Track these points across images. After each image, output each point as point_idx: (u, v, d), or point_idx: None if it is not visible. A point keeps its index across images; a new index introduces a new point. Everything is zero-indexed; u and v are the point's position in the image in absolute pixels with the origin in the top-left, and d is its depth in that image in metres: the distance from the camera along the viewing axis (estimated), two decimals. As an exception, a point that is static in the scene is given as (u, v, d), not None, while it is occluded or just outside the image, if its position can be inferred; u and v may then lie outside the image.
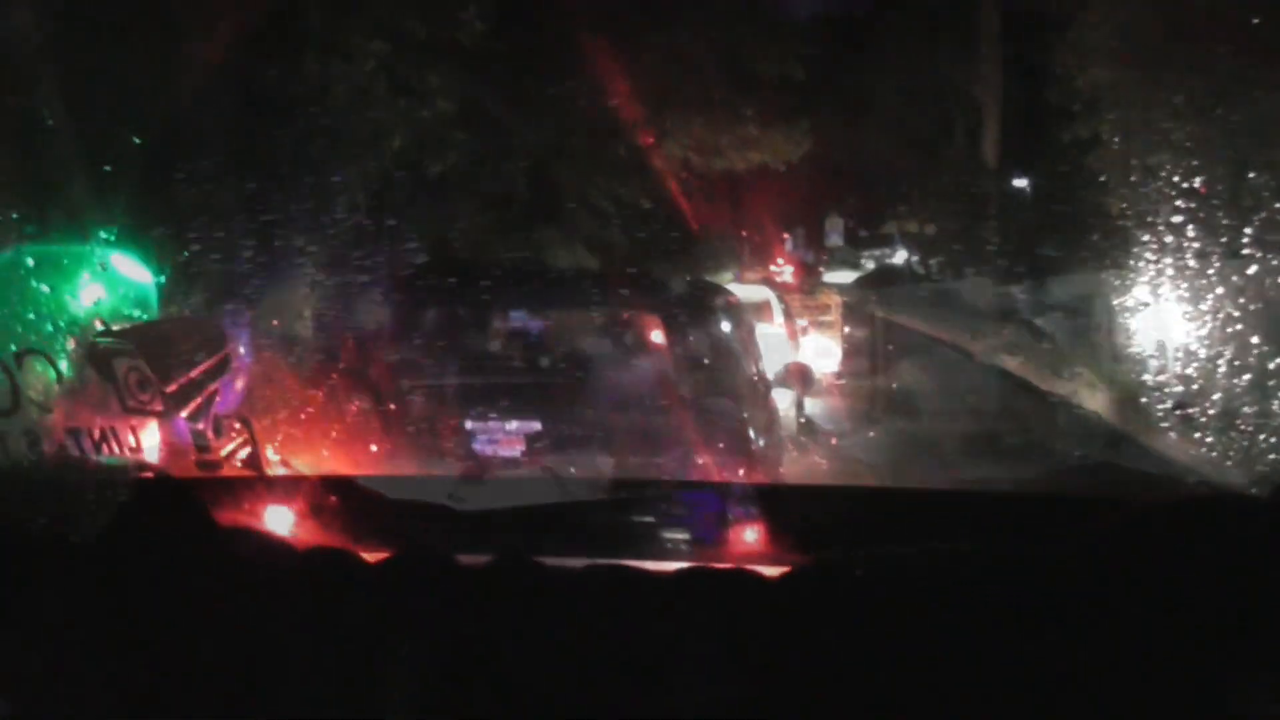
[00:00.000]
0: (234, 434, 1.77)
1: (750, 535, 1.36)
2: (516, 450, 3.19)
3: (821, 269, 23.73)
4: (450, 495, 1.49)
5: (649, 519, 1.47)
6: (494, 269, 8.74)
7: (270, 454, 1.91)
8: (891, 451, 8.07)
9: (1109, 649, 0.85)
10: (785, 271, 18.85)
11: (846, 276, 24.26)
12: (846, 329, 12.75)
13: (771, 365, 5.13)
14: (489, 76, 9.08)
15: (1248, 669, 0.84)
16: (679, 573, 1.05)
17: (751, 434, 3.37)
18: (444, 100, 7.48)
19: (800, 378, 4.96)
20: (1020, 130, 16.67)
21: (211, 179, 5.11)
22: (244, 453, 1.77)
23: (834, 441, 8.84)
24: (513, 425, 3.23)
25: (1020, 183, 17.74)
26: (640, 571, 1.09)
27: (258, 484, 1.70)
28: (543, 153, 11.09)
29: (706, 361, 3.43)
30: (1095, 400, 8.51)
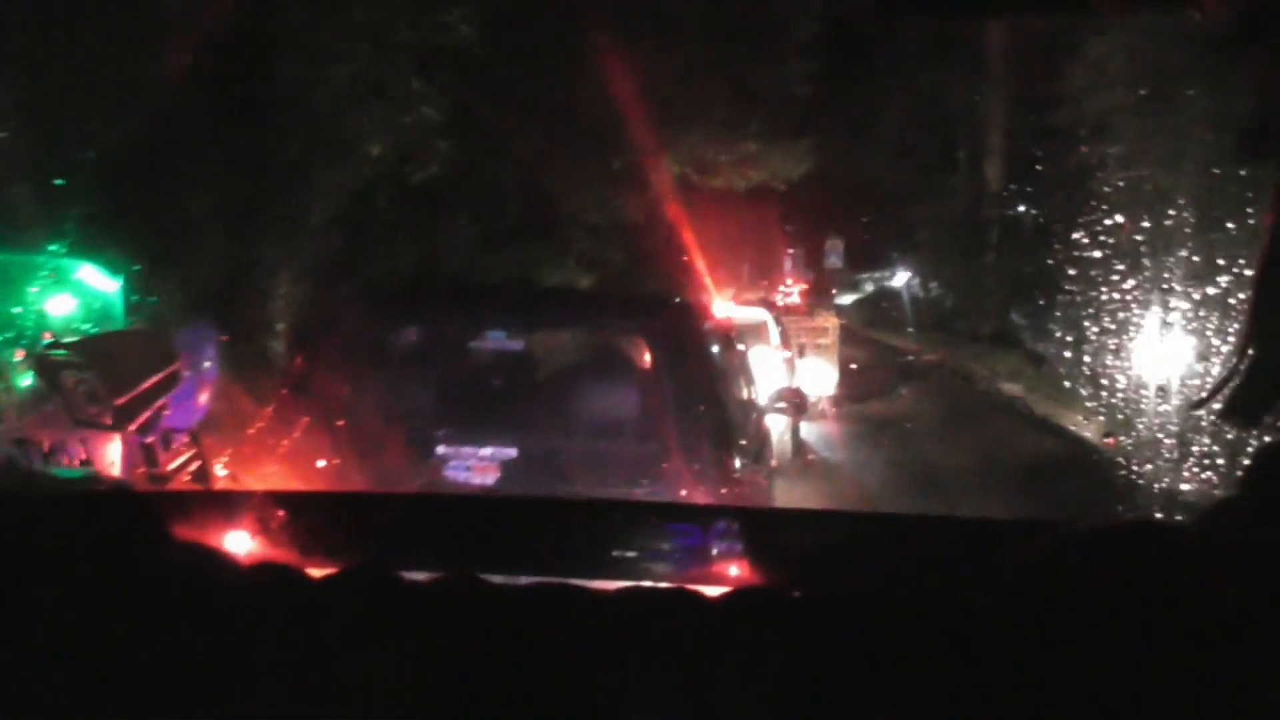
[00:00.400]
0: (183, 448, 1.80)
1: (702, 556, 1.39)
2: (491, 478, 3.15)
3: (835, 290, 23.83)
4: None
5: (603, 538, 1.50)
6: (469, 285, 8.73)
7: (219, 469, 1.94)
8: (887, 478, 8.13)
9: (1026, 675, 0.89)
10: (793, 292, 18.90)
11: (845, 299, 24.38)
12: (844, 352, 12.79)
13: (767, 389, 5.15)
14: (475, 84, 9.10)
15: (1178, 698, 0.87)
16: (618, 592, 1.09)
17: (738, 463, 3.35)
18: (427, 107, 7.49)
19: (794, 403, 4.96)
20: (1023, 155, 16.85)
21: (183, 187, 5.08)
22: (193, 467, 1.80)
23: (828, 467, 8.90)
24: (487, 451, 3.19)
25: (1022, 208, 17.89)
26: (586, 591, 1.13)
27: (206, 498, 1.73)
28: (534, 165, 11.12)
29: (692, 386, 3.40)
30: (1088, 428, 8.59)
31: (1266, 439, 1.08)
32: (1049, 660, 0.86)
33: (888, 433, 10.08)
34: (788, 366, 9.78)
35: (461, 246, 10.39)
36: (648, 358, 3.52)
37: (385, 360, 3.55)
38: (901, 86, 19.83)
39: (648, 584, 1.13)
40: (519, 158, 10.86)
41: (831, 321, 12.64)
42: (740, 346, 4.97)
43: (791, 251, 21.64)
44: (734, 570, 1.31)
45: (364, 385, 3.32)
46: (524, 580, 1.15)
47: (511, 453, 3.19)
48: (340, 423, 3.13)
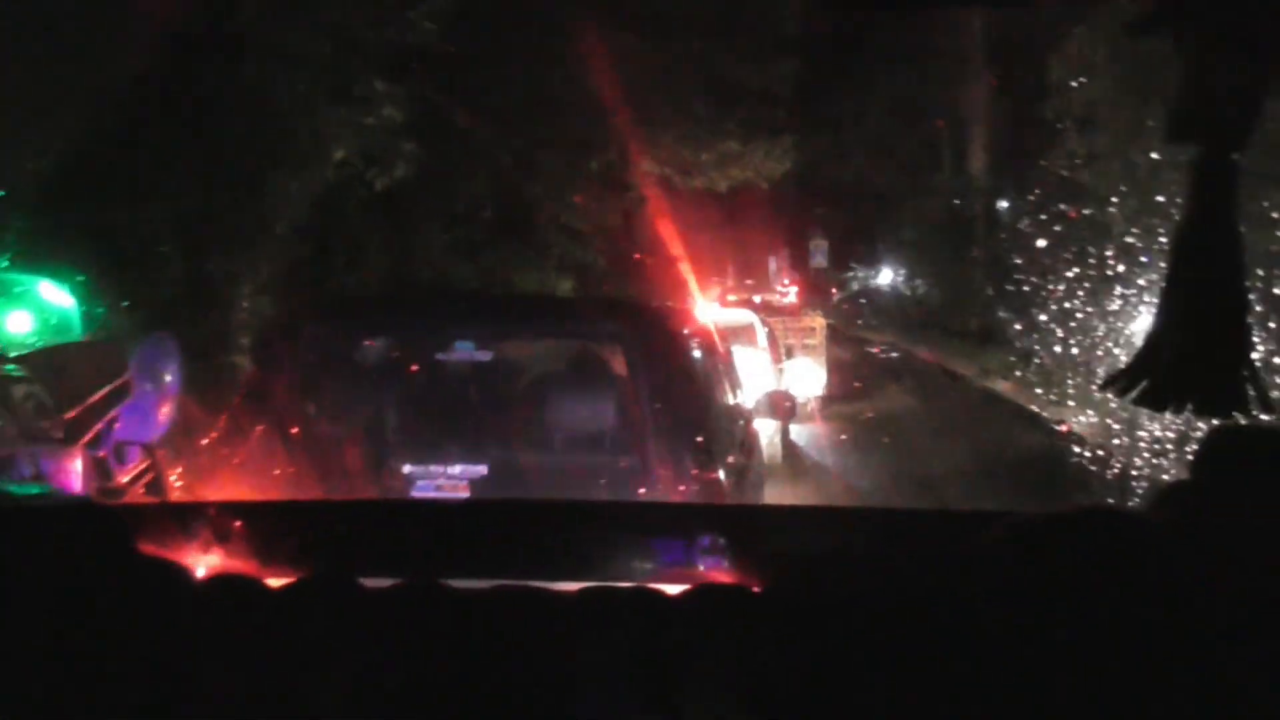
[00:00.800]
0: (138, 461, 1.82)
1: (668, 555, 1.42)
2: (459, 496, 3.13)
3: (835, 290, 24.04)
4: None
5: (564, 539, 1.53)
6: (437, 292, 8.65)
7: (175, 480, 1.95)
8: (880, 479, 8.18)
9: (980, 662, 0.92)
10: (789, 293, 18.95)
11: (832, 297, 24.57)
12: (832, 352, 12.88)
13: (755, 391, 5.15)
14: (444, 84, 9.04)
15: (1135, 686, 0.91)
16: (580, 593, 1.12)
17: (721, 474, 3.34)
18: (391, 107, 7.41)
19: (783, 407, 4.98)
20: (1007, 148, 17.01)
21: (136, 195, 5.01)
22: (147, 480, 1.82)
23: (819, 469, 8.95)
24: (456, 469, 3.17)
25: (1004, 203, 18.04)
26: (547, 593, 1.16)
27: (165, 511, 1.74)
28: (509, 167, 11.08)
29: (671, 394, 3.37)
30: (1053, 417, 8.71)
31: (1215, 423, 1.12)
32: (1005, 651, 0.90)
33: (878, 432, 10.15)
34: (775, 368, 9.83)
35: (434, 253, 10.35)
36: (624, 366, 3.50)
37: (348, 372, 3.53)
38: (883, 83, 19.99)
39: (609, 584, 1.16)
40: (492, 160, 10.83)
41: (819, 322, 12.74)
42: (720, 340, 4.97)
43: (777, 252, 21.81)
44: (698, 568, 1.34)
45: (325, 399, 3.29)
46: (485, 584, 1.18)
47: (481, 469, 3.17)
48: (299, 440, 3.09)
